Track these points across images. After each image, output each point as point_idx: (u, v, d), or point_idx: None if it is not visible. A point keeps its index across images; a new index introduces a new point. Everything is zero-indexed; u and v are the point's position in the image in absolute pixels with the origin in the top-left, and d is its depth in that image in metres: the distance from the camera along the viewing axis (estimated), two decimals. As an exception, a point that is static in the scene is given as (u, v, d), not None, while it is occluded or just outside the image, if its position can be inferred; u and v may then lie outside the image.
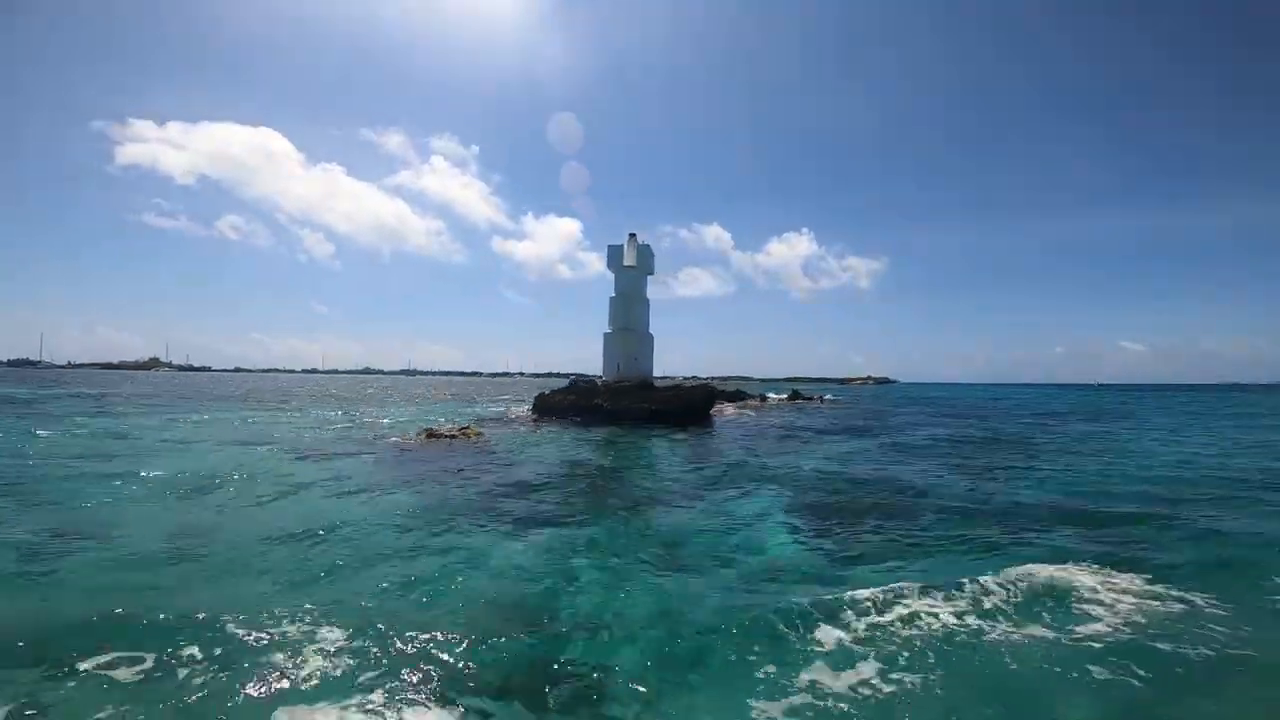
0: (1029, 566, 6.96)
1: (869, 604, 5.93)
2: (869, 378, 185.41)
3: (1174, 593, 6.31)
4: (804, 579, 6.98)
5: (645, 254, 44.23)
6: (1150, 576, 6.82)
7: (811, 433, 27.24)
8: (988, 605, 5.92)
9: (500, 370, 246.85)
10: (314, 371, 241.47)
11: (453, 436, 22.88)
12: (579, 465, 17.00)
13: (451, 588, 7.03)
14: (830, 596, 6.15)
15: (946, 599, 6.07)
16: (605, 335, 42.67)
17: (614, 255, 43.83)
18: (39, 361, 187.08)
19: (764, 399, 56.35)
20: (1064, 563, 7.27)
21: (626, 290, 42.89)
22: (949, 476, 14.45)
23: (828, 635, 5.30)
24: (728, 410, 43.75)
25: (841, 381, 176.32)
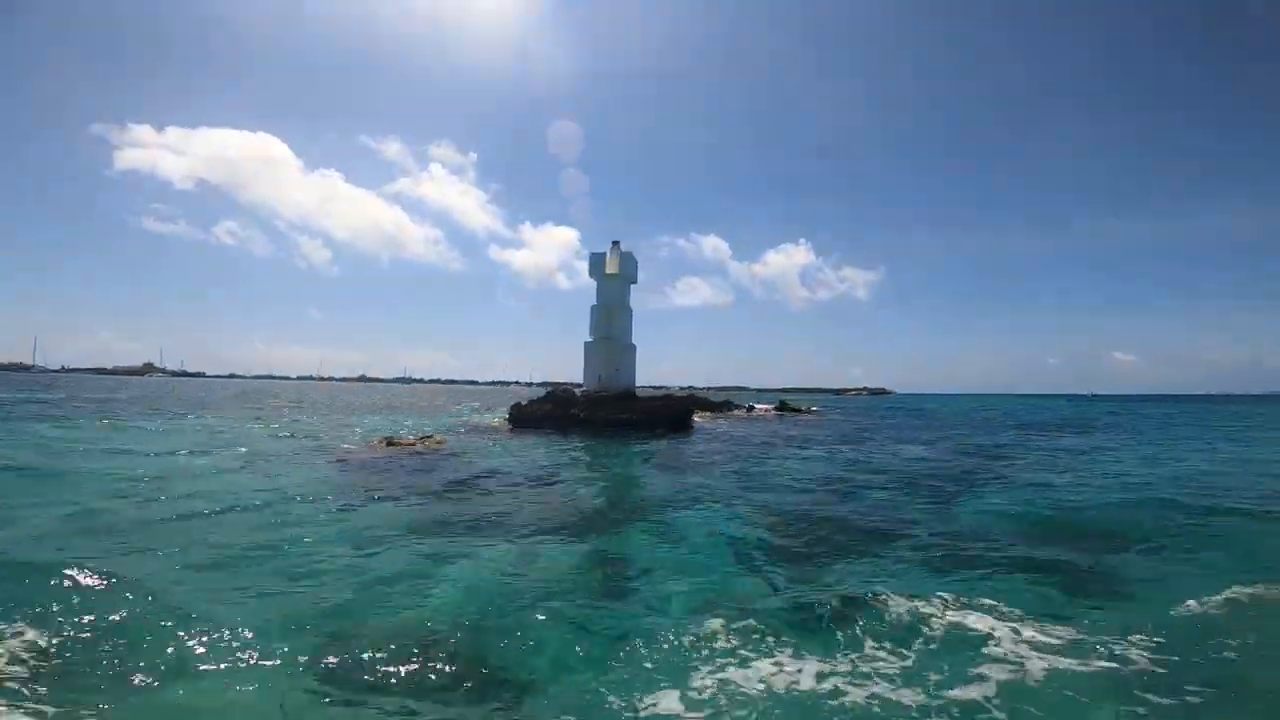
0: (937, 612, 6.15)
1: (733, 656, 5.21)
2: (864, 389, 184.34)
3: (1104, 648, 5.43)
4: (693, 619, 6.30)
5: (628, 262, 43.72)
6: (1083, 625, 5.96)
7: (786, 446, 26.58)
8: (869, 665, 5.12)
9: (497, 379, 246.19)
10: (310, 378, 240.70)
11: (411, 445, 22.23)
12: (526, 477, 16.34)
13: (312, 596, 6.44)
14: (690, 644, 5.47)
15: (825, 653, 5.30)
16: (586, 344, 42.08)
17: (596, 263, 43.32)
18: (32, 365, 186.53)
19: (751, 410, 55.68)
20: (985, 606, 6.37)
21: (608, 299, 42.36)
22: (900, 499, 13.65)
23: (665, 697, 4.58)
24: (711, 421, 43.06)
25: (837, 392, 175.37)
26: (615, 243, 44.54)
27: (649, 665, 5.14)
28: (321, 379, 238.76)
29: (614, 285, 42.64)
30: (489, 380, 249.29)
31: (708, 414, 48.43)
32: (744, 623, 5.88)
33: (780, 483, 15.97)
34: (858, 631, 5.80)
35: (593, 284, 43.16)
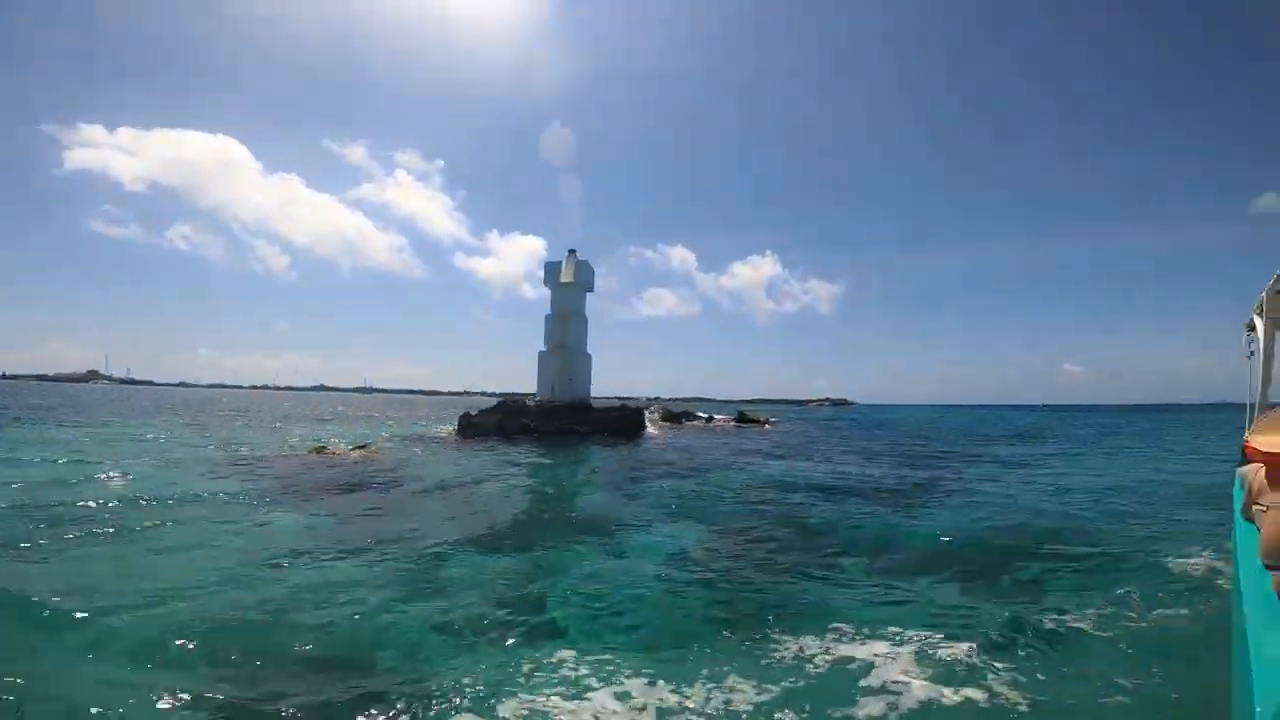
0: (830, 640, 5.72)
1: (574, 684, 4.78)
2: (826, 400, 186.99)
3: (986, 679, 5.05)
4: (551, 641, 5.89)
5: (584, 270, 43.35)
6: (976, 653, 5.54)
7: (731, 458, 26.38)
8: (722, 699, 4.68)
9: (462, 389, 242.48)
10: (265, 388, 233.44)
11: (341, 455, 21.35)
12: (452, 487, 15.76)
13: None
14: (529, 669, 5.09)
15: (681, 683, 4.88)
16: (540, 354, 41.49)
17: (551, 272, 42.87)
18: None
19: (709, 420, 55.63)
20: (888, 634, 6.01)
21: (563, 307, 41.88)
22: (825, 517, 12.99)
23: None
24: (666, 432, 42.73)
25: (801, 403, 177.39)
26: (571, 251, 44.21)
27: (466, 682, 4.74)
28: (278, 388, 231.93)
29: (569, 293, 42.21)
30: (452, 390, 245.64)
31: (665, 424, 48.18)
32: (602, 655, 5.45)
33: (710, 494, 15.67)
34: (729, 662, 5.40)
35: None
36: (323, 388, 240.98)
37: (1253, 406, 6.65)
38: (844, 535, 11.37)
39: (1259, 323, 6.05)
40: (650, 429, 41.31)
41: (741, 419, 57.16)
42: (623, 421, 36.96)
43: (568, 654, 5.39)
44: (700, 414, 58.02)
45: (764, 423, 56.23)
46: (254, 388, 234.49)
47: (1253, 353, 6.60)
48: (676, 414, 55.07)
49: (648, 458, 25.37)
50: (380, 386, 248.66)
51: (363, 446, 23.35)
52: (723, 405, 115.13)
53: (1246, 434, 5.27)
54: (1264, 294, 5.58)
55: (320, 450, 21.66)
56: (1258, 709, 1.54)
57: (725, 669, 5.30)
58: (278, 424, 41.28)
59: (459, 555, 9.22)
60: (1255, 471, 3.43)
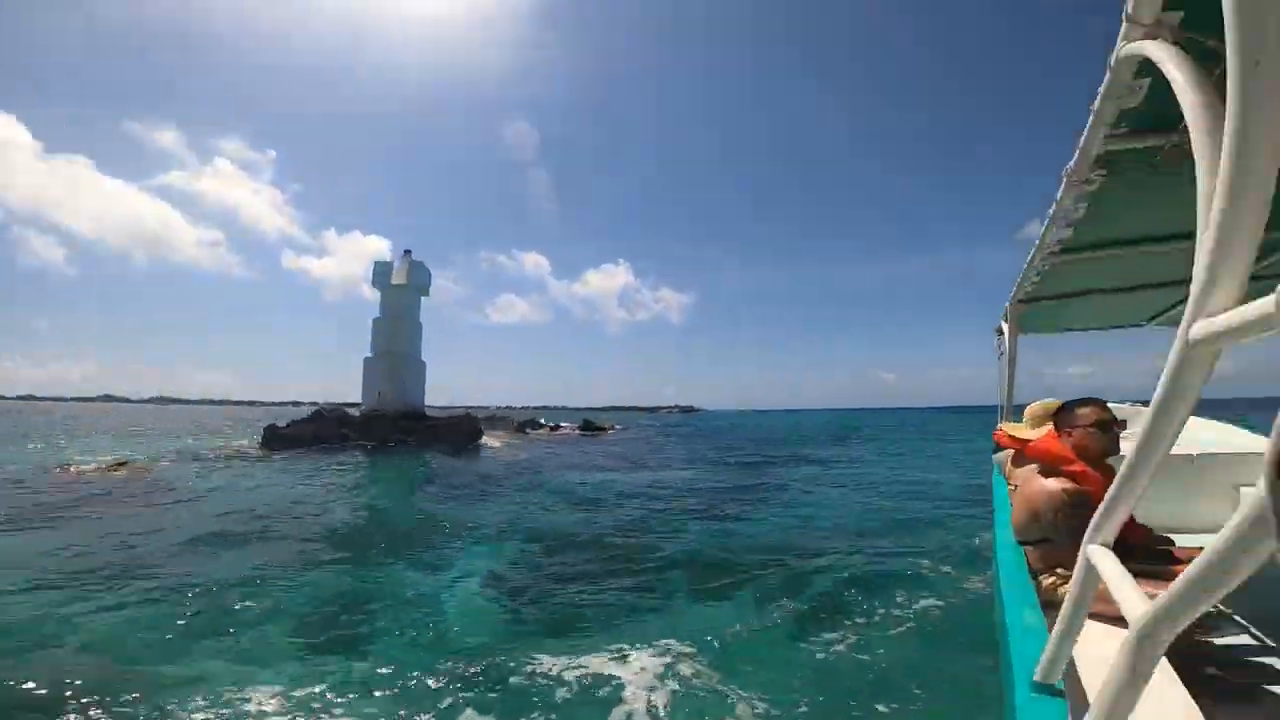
0: (586, 663, 5.38)
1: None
2: (675, 407, 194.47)
3: (744, 701, 4.85)
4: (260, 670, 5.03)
5: (419, 272, 40.90)
6: (743, 672, 5.30)
7: (565, 468, 25.99)
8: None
9: (288, 399, 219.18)
10: (30, 398, 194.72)
11: (90, 473, 17.81)
12: (217, 504, 13.64)
13: None
14: (227, 696, 4.29)
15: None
16: (365, 360, 38.38)
17: (381, 272, 39.95)
18: None
19: (555, 428, 55.01)
20: (660, 646, 5.83)
21: (394, 310, 39.15)
22: (641, 522, 12.90)
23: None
24: (505, 442, 41.31)
25: (652, 410, 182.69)
26: (406, 251, 41.67)
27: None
28: (47, 399, 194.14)
29: (401, 296, 39.58)
30: (277, 401, 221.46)
31: (507, 434, 46.70)
32: (320, 685, 4.68)
33: (531, 507, 15.08)
34: (472, 689, 4.85)
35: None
36: (109, 398, 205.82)
37: (1001, 408, 7.42)
38: (649, 549, 10.79)
39: (1005, 327, 6.66)
40: (489, 439, 39.70)
41: (586, 427, 57.21)
42: (456, 432, 35.18)
43: (270, 691, 4.54)
44: (545, 422, 57.20)
45: (608, 430, 56.70)
46: (19, 398, 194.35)
47: (1001, 353, 7.24)
48: (521, 423, 53.84)
49: (479, 470, 24.18)
50: (183, 397, 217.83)
51: (124, 463, 19.74)
52: (574, 413, 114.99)
53: (999, 425, 5.77)
54: (1008, 304, 6.12)
55: (64, 468, 17.94)
56: (1016, 676, 1.74)
57: (468, 695, 4.77)
58: (19, 439, 34.08)
59: (199, 583, 7.79)
60: (1007, 457, 3.78)
